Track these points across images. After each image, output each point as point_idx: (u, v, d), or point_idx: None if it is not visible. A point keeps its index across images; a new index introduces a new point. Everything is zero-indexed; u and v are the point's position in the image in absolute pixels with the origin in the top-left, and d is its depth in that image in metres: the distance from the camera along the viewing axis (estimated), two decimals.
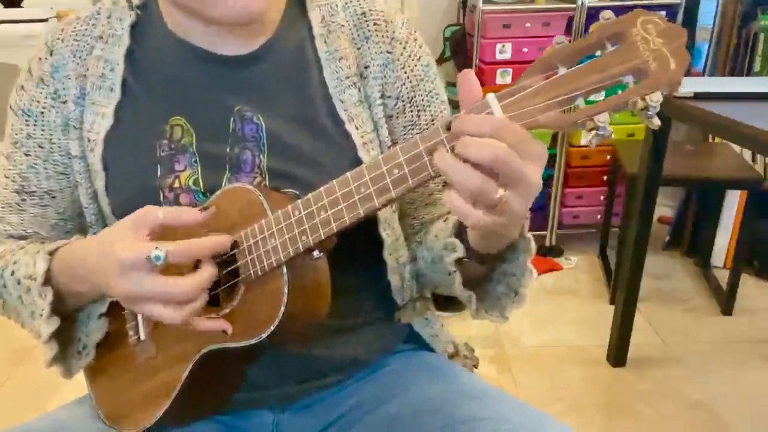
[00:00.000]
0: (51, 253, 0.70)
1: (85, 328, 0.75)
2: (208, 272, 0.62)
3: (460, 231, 0.67)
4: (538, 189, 0.53)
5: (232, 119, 0.74)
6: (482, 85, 0.54)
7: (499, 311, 0.69)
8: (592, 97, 0.50)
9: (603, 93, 0.50)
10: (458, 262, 0.67)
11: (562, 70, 0.50)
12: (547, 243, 2.63)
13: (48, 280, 0.69)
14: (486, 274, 0.70)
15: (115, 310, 0.74)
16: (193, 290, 0.60)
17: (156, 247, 0.59)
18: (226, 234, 0.64)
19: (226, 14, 0.68)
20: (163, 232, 0.62)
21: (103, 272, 0.63)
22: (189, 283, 0.60)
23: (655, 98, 0.47)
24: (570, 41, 0.51)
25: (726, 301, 2.22)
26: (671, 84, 0.47)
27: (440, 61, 2.63)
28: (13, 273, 0.71)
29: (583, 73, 0.50)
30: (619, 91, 0.49)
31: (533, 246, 0.66)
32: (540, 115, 0.51)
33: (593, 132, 0.50)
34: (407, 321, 0.82)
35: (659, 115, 0.49)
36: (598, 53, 0.50)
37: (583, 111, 0.50)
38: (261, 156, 0.73)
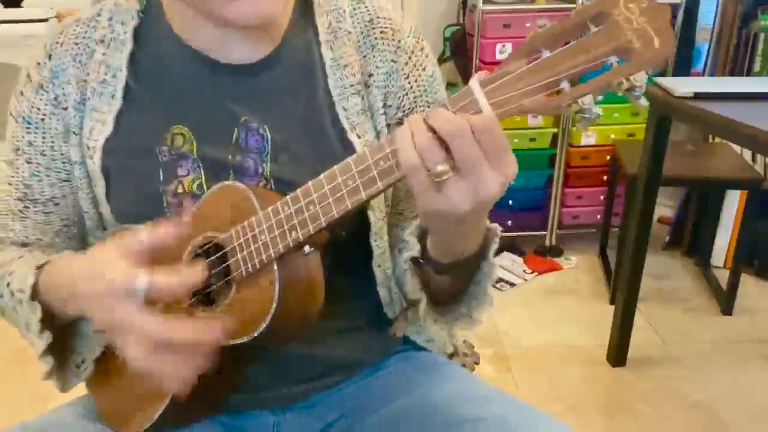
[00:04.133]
0: (39, 268, 0.69)
1: (85, 342, 0.74)
2: (181, 327, 0.57)
3: (422, 236, 0.68)
4: (489, 196, 0.51)
5: (236, 129, 0.73)
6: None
7: (448, 326, 0.72)
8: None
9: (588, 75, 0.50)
10: (415, 264, 0.68)
11: (546, 54, 0.50)
12: (547, 243, 2.63)
13: (35, 295, 0.67)
14: (454, 294, 0.71)
15: None
16: (161, 331, 0.56)
17: (140, 277, 0.55)
18: (200, 265, 0.61)
19: (241, 16, 0.66)
20: (154, 250, 0.59)
21: (87, 298, 0.60)
22: (165, 326, 0.56)
23: (640, 78, 0.47)
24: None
25: (726, 301, 2.22)
26: (656, 62, 0.47)
27: (440, 61, 2.63)
28: (8, 285, 0.70)
29: (566, 56, 0.49)
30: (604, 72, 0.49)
31: (496, 273, 0.67)
32: (524, 100, 0.50)
33: (580, 116, 0.50)
34: (401, 333, 0.82)
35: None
36: (582, 34, 0.50)
37: (567, 94, 0.49)
38: (264, 165, 0.72)
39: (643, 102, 0.49)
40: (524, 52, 0.51)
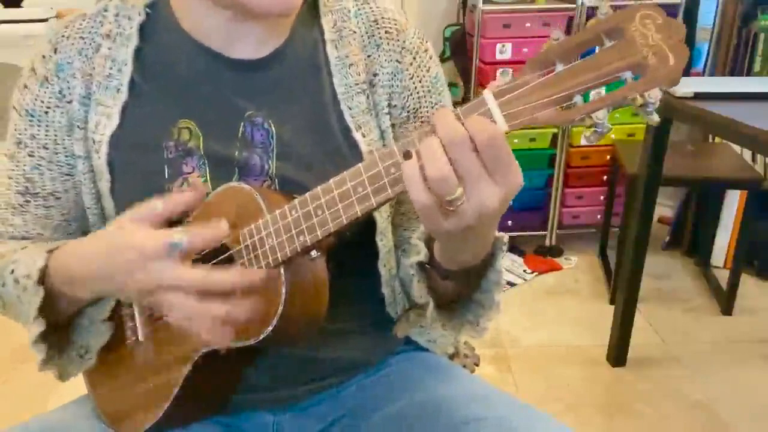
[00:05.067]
0: (50, 252, 0.69)
1: (87, 332, 0.74)
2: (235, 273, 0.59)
3: (429, 240, 0.67)
4: (490, 210, 0.51)
5: (242, 124, 0.73)
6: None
7: (456, 332, 0.71)
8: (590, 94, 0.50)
9: (603, 89, 0.50)
10: (422, 268, 0.67)
11: (560, 67, 0.50)
12: (547, 243, 2.63)
13: (42, 279, 0.67)
14: (459, 298, 0.70)
15: (113, 312, 0.73)
16: (217, 282, 0.58)
17: (175, 234, 0.57)
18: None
19: (263, 5, 0.66)
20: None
21: (114, 271, 0.60)
22: (220, 275, 0.58)
23: (654, 94, 0.47)
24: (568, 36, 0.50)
25: (726, 301, 2.22)
26: (670, 80, 0.47)
27: (440, 60, 2.63)
28: (12, 272, 0.69)
29: (580, 70, 0.49)
30: (618, 88, 0.49)
31: (503, 280, 0.67)
32: (537, 112, 0.50)
33: (591, 129, 0.49)
34: (403, 334, 0.82)
35: (660, 114, 0.49)
36: (596, 49, 0.49)
37: (580, 108, 0.49)
38: (270, 162, 0.72)
39: (656, 118, 0.48)
40: (538, 64, 0.50)
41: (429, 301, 0.69)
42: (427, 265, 0.67)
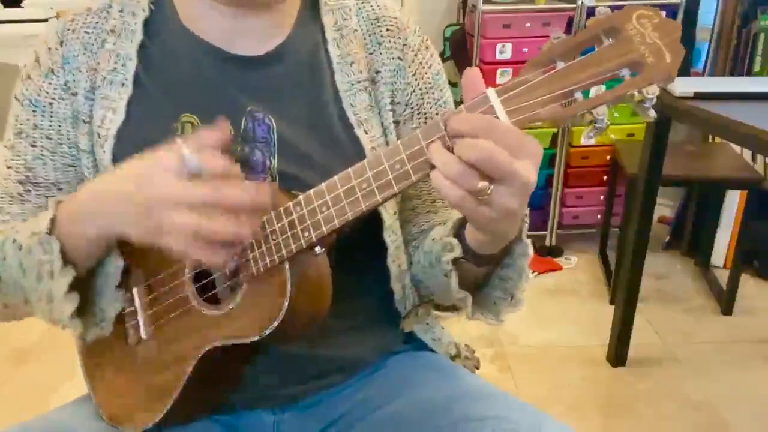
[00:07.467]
0: (59, 203, 0.66)
1: (101, 299, 0.72)
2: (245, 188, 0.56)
3: (458, 232, 0.67)
4: (531, 185, 0.52)
5: (244, 119, 0.73)
6: None
7: (494, 314, 0.70)
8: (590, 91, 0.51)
9: (602, 86, 0.52)
10: (455, 262, 0.67)
11: (561, 65, 0.51)
12: (547, 243, 2.63)
13: (52, 232, 0.64)
14: (482, 278, 0.70)
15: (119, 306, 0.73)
16: (227, 197, 0.55)
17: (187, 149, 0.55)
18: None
19: None
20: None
21: (122, 187, 0.59)
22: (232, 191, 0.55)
23: (652, 91, 0.49)
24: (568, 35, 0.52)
25: (726, 301, 2.22)
26: (666, 77, 0.49)
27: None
28: (14, 240, 0.67)
29: (580, 68, 0.50)
30: (616, 85, 0.50)
31: (531, 250, 0.67)
32: (540, 109, 0.51)
33: (591, 125, 0.51)
34: (410, 329, 0.83)
35: (660, 114, 0.50)
36: (595, 47, 0.51)
37: (581, 104, 0.51)
38: (271, 158, 0.73)
39: (652, 114, 0.50)
40: (540, 62, 0.52)
41: (467, 295, 0.68)
42: (462, 259, 0.67)
